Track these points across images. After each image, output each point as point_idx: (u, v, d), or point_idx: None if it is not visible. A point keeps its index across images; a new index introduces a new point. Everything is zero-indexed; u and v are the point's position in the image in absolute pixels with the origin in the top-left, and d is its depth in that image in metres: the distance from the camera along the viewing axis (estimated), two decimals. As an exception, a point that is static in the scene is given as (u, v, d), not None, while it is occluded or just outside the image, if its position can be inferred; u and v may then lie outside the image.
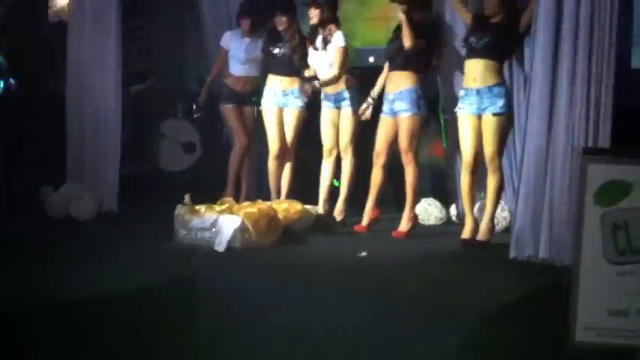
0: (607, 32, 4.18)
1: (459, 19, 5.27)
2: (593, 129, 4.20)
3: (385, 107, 5.26)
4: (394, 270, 4.36)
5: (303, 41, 5.61)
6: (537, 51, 4.38)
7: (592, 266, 3.14)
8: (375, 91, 5.40)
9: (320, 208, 5.61)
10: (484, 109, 4.83)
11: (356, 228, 5.41)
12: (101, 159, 5.94)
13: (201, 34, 6.82)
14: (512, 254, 4.49)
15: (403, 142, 5.18)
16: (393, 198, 5.71)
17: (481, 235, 4.93)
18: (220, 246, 4.68)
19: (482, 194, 5.46)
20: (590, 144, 4.17)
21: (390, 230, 5.31)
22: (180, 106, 7.41)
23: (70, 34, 6.04)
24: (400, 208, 5.38)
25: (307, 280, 4.07)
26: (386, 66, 5.38)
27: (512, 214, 4.79)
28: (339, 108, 5.55)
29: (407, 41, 5.04)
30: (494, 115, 4.80)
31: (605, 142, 4.19)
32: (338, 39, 5.44)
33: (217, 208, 5.00)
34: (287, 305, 3.74)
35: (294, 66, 5.64)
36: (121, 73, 6.01)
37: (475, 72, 4.82)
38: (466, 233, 4.99)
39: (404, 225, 5.28)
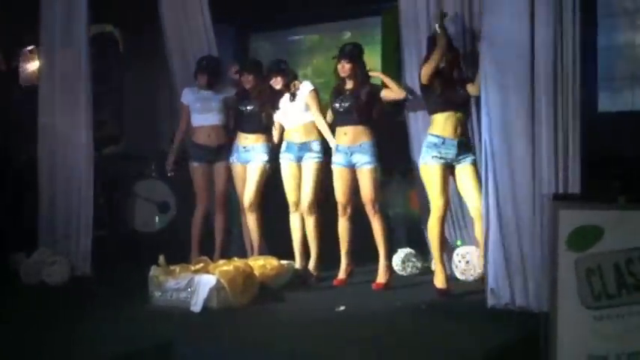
0: (570, 75, 4.22)
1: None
2: (562, 174, 4.22)
3: (340, 159, 5.30)
4: (373, 324, 4.31)
5: (271, 98, 5.66)
6: (500, 98, 4.40)
7: (569, 312, 3.15)
8: (333, 143, 5.43)
9: (297, 264, 5.59)
10: (460, 160, 4.94)
11: (335, 282, 5.38)
12: (73, 222, 5.87)
13: (172, 95, 6.85)
14: (490, 303, 4.47)
15: (368, 194, 5.22)
16: (365, 249, 5.66)
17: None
18: (196, 306, 4.61)
19: (458, 242, 5.48)
20: (559, 189, 4.19)
21: (366, 282, 5.30)
22: (153, 166, 7.39)
23: (41, 99, 6.03)
24: (373, 259, 5.37)
25: (285, 339, 4.01)
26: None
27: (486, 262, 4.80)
28: (300, 160, 5.55)
29: (397, 94, 5.23)
30: (471, 164, 4.97)
31: (574, 186, 4.21)
32: (306, 86, 5.53)
33: (192, 267, 4.94)
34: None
35: (260, 123, 5.74)
36: (93, 135, 5.99)
37: (456, 124, 4.97)
38: (440, 282, 4.97)
39: (382, 276, 5.26)
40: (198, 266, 4.95)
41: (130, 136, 8.01)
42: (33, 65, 7.26)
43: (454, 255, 5.38)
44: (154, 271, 4.87)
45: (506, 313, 4.34)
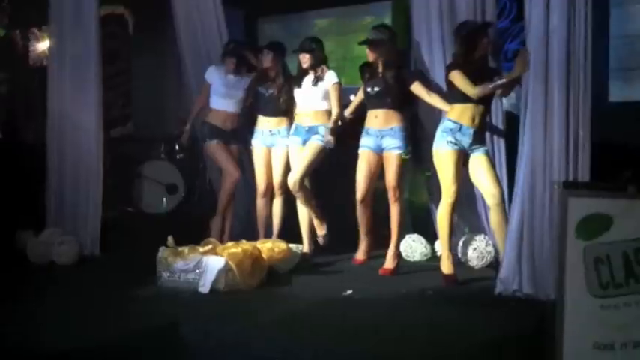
0: (582, 65, 4.23)
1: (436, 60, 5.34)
2: (572, 162, 4.24)
3: (369, 142, 5.30)
4: (380, 309, 4.34)
5: (289, 81, 5.68)
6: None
7: (576, 300, 3.14)
8: (348, 112, 5.47)
9: (305, 247, 5.61)
10: (473, 148, 4.93)
11: (354, 261, 5.52)
12: (82, 203, 5.88)
13: (181, 78, 6.85)
14: (498, 289, 4.49)
15: (392, 179, 5.23)
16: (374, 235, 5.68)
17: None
18: (204, 287, 4.64)
19: (466, 229, 5.49)
20: (569, 178, 4.19)
21: (371, 268, 5.32)
22: (162, 149, 7.41)
23: (50, 79, 6.03)
24: (381, 245, 5.38)
25: (291, 322, 4.04)
26: (357, 98, 5.48)
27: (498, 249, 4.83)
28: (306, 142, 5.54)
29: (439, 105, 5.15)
30: (485, 153, 4.94)
31: (584, 176, 4.22)
32: (331, 76, 5.51)
33: (201, 249, 4.97)
34: (273, 350, 3.71)
35: (281, 106, 5.71)
36: (102, 117, 6.00)
37: (475, 113, 4.90)
38: (446, 268, 4.99)
39: (390, 262, 5.28)
40: (206, 248, 4.97)
41: (138, 118, 8.03)
42: (43, 45, 7.26)
43: (461, 242, 5.39)
44: (162, 252, 4.90)
45: (514, 300, 4.36)
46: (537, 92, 4.31)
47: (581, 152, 4.23)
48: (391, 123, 5.24)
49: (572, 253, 3.15)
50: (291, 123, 5.76)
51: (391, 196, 5.26)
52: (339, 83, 5.52)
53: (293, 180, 5.47)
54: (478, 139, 4.95)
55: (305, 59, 5.53)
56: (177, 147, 7.26)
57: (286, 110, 5.74)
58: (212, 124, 5.93)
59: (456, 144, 4.92)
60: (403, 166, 5.29)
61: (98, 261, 5.71)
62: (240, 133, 6.02)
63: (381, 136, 5.25)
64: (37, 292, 4.67)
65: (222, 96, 5.91)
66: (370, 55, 5.28)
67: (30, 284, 4.95)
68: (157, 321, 4.07)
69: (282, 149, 5.75)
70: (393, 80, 5.21)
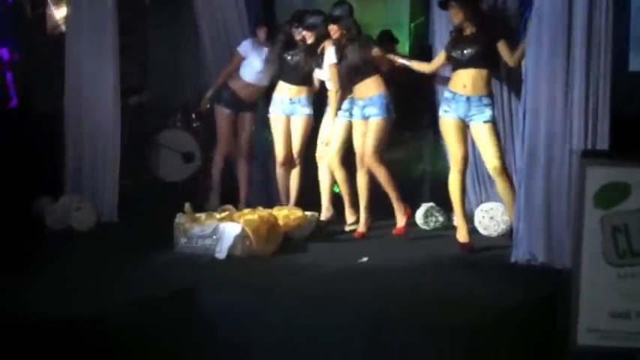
0: (603, 35, 4.19)
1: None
2: (591, 132, 4.22)
3: (356, 112, 5.32)
4: (395, 276, 4.36)
5: (316, 56, 5.56)
6: (532, 55, 4.40)
7: (593, 269, 3.14)
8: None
9: (323, 215, 5.63)
10: (472, 116, 4.88)
11: (355, 235, 5.42)
12: (100, 170, 5.92)
13: (198, 47, 6.84)
14: (513, 258, 4.49)
15: (370, 145, 5.20)
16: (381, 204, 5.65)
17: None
18: (221, 253, 4.69)
19: (482, 198, 5.49)
20: (588, 147, 4.18)
21: (389, 236, 5.32)
22: (178, 117, 7.42)
23: (68, 47, 6.02)
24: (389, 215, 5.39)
25: (306, 289, 4.07)
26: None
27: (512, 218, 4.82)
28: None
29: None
30: (485, 122, 4.87)
31: (603, 144, 4.20)
32: (329, 56, 5.44)
33: (218, 215, 5.00)
34: (287, 314, 3.74)
35: (306, 74, 5.66)
36: (119, 85, 6.01)
37: (465, 80, 4.86)
38: (462, 237, 4.99)
39: (400, 220, 5.30)
40: (223, 214, 5.00)
41: (155, 86, 8.02)
42: (60, 12, 7.25)
43: (478, 210, 5.39)
44: (179, 218, 4.94)
45: (529, 268, 4.37)
46: (558, 63, 4.28)
47: (600, 121, 4.21)
48: (370, 93, 5.25)
49: (590, 221, 3.15)
50: (312, 91, 5.71)
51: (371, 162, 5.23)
52: (335, 64, 5.39)
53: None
54: (476, 107, 4.86)
55: (308, 35, 5.45)
56: (193, 115, 7.26)
57: (309, 79, 5.70)
58: (235, 93, 5.92)
59: (450, 112, 4.91)
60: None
61: (116, 227, 5.76)
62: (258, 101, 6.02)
63: (363, 105, 5.26)
64: (55, 258, 4.71)
65: (258, 71, 5.87)
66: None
67: (48, 250, 4.99)
68: (174, 286, 4.11)
69: (302, 118, 5.72)
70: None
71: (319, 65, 5.54)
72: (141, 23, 7.96)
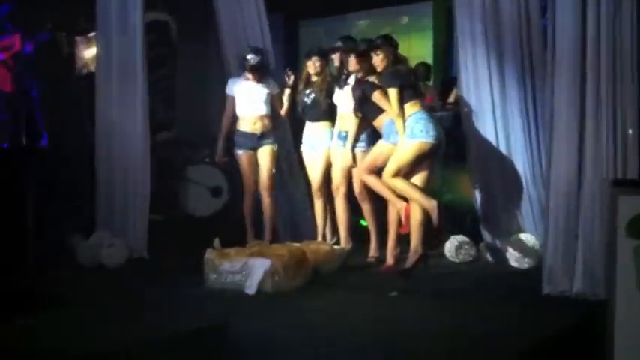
0: (629, 60, 4.17)
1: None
2: (620, 160, 4.18)
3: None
4: (425, 308, 4.33)
5: (329, 84, 5.76)
6: (560, 83, 4.38)
7: (627, 300, 3.09)
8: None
9: (343, 244, 5.70)
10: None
11: (382, 270, 5.35)
12: (130, 206, 5.99)
13: (225, 82, 6.93)
14: (545, 290, 4.44)
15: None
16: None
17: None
18: (251, 289, 4.69)
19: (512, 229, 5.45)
20: (618, 175, 4.14)
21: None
22: (206, 152, 7.50)
23: (98, 85, 6.14)
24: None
25: (336, 323, 4.06)
26: None
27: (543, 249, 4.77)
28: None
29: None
30: None
31: (633, 173, 4.16)
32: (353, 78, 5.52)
33: (247, 250, 5.02)
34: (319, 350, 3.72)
35: (323, 110, 5.80)
36: (148, 121, 6.09)
37: None
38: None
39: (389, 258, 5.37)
40: (252, 249, 5.02)
41: (183, 122, 8.12)
42: (89, 52, 7.39)
43: (510, 242, 5.35)
44: (209, 254, 4.96)
45: (563, 299, 4.32)
46: (587, 88, 4.27)
47: (630, 149, 4.17)
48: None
49: (623, 251, 3.11)
50: (333, 125, 5.80)
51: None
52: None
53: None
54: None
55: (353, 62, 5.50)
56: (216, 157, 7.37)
57: (329, 113, 5.80)
58: (240, 131, 6.05)
59: None
60: None
61: (146, 263, 5.80)
62: (277, 132, 6.11)
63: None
64: (87, 294, 4.75)
65: (245, 101, 6.02)
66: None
67: (80, 286, 5.03)
68: (205, 321, 4.10)
69: (322, 151, 5.82)
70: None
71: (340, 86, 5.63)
72: (169, 59, 8.09)
